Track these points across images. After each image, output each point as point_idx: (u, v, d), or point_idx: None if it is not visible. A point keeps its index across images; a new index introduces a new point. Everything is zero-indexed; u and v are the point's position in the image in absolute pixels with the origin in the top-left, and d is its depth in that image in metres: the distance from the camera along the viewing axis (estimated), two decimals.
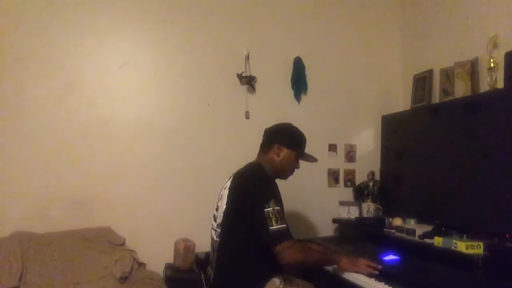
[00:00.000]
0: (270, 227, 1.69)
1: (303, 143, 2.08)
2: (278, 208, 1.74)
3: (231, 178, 1.99)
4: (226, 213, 1.89)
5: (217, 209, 2.02)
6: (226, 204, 1.90)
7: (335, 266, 1.94)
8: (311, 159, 2.11)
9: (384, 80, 3.22)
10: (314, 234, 2.90)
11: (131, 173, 2.57)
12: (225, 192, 1.96)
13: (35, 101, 2.42)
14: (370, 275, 1.84)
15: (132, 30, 2.63)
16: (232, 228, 1.85)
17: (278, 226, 1.70)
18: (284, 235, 1.72)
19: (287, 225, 1.76)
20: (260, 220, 1.71)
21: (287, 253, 1.70)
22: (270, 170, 1.96)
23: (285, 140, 2.00)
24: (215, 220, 2.02)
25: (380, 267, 1.86)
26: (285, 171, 2.05)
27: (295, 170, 2.09)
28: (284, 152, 1.99)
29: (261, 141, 2.07)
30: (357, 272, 1.87)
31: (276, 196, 1.78)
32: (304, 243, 2.15)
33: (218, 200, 2.04)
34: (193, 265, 2.41)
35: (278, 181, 2.03)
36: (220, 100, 2.78)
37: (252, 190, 1.82)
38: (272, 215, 1.71)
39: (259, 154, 2.05)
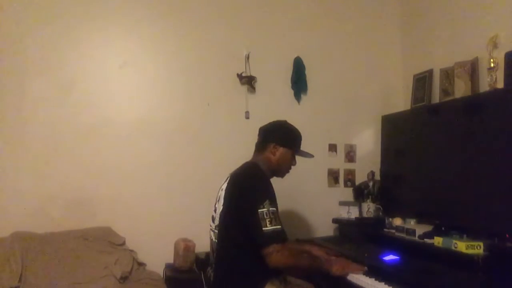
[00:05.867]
0: (263, 228, 1.68)
1: (299, 140, 2.07)
2: (273, 209, 1.73)
3: (228, 179, 1.99)
4: (223, 214, 1.88)
5: (215, 210, 2.02)
6: (223, 205, 1.90)
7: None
8: (307, 155, 2.09)
9: (384, 80, 3.22)
10: (314, 234, 2.90)
11: (131, 173, 2.57)
12: (222, 193, 1.95)
13: (35, 101, 2.42)
14: (369, 275, 1.84)
15: (132, 30, 2.63)
16: (229, 229, 1.84)
17: (273, 227, 1.68)
18: (277, 236, 1.70)
19: (282, 226, 1.73)
20: (254, 221, 1.69)
21: (274, 256, 1.67)
22: (267, 169, 1.95)
23: (280, 139, 1.99)
24: (213, 221, 2.02)
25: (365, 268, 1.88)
26: (282, 170, 2.04)
27: (293, 167, 2.08)
28: (280, 150, 1.98)
29: (256, 140, 2.07)
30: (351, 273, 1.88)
31: (271, 197, 1.77)
32: (296, 247, 2.14)
33: (216, 202, 2.04)
34: (193, 265, 2.41)
35: (278, 180, 2.03)
36: (220, 100, 2.78)
37: (247, 191, 1.81)
38: (267, 215, 1.69)
39: (255, 153, 2.04)
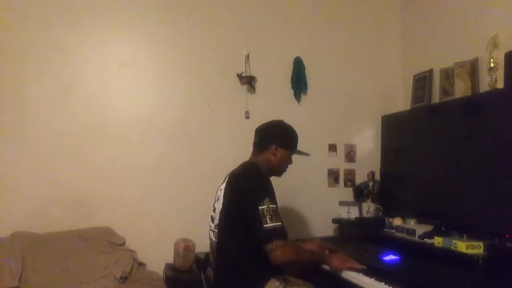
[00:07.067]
0: (264, 225, 1.68)
1: (297, 140, 2.09)
2: (273, 206, 1.73)
3: (226, 179, 1.99)
4: (223, 213, 1.89)
5: (214, 210, 2.03)
6: (222, 204, 1.91)
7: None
8: (304, 154, 2.12)
9: (384, 80, 3.22)
10: (314, 234, 2.90)
11: (131, 173, 2.57)
12: (221, 193, 1.96)
13: (35, 101, 2.42)
14: (369, 275, 1.84)
15: (132, 30, 2.63)
16: (229, 228, 1.85)
17: (273, 224, 1.69)
18: (278, 233, 1.70)
19: (282, 223, 1.74)
20: (255, 218, 1.70)
21: (278, 252, 1.68)
22: (266, 169, 1.95)
23: (281, 141, 2.00)
24: (212, 221, 2.02)
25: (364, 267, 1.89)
26: (281, 169, 2.07)
27: (289, 165, 2.10)
28: (281, 152, 2.00)
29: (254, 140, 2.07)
30: (349, 268, 1.90)
31: (271, 194, 1.77)
32: (296, 242, 2.16)
33: (215, 201, 2.04)
34: (193, 265, 2.41)
35: (278, 180, 2.03)
36: (220, 100, 2.78)
37: (247, 189, 1.81)
38: (267, 213, 1.69)
39: (253, 153, 2.04)
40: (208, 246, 2.13)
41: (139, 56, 2.63)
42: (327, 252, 2.06)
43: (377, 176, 2.95)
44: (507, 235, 1.85)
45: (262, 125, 2.08)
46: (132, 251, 2.40)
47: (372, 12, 3.23)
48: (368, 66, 3.18)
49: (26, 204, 2.35)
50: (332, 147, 3.07)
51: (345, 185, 3.09)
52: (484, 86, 2.39)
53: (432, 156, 2.46)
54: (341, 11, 3.15)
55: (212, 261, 2.00)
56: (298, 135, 2.09)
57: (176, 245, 2.43)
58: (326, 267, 1.99)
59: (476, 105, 2.22)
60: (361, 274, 1.86)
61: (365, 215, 2.81)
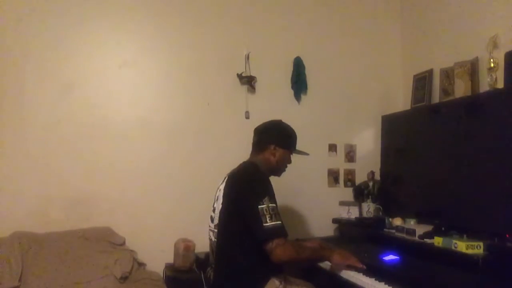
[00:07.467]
0: (264, 224, 1.68)
1: (296, 139, 2.10)
2: (273, 205, 1.73)
3: (226, 179, 1.99)
4: (222, 213, 1.89)
5: (213, 210, 2.03)
6: (222, 204, 1.91)
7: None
8: (303, 153, 2.13)
9: (384, 80, 3.22)
10: (314, 234, 2.90)
11: (131, 173, 2.57)
12: (221, 193, 1.96)
13: (35, 101, 2.42)
14: (369, 275, 1.84)
15: (132, 30, 2.63)
16: (229, 228, 1.85)
17: (273, 223, 1.69)
18: (278, 232, 1.70)
19: (282, 221, 1.74)
20: (254, 217, 1.70)
21: (278, 250, 1.68)
22: (266, 169, 1.96)
23: (280, 141, 2.01)
24: (212, 221, 2.02)
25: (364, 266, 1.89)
26: (281, 169, 2.07)
27: (288, 165, 2.10)
28: (280, 152, 2.00)
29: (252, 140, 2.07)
30: (349, 266, 1.89)
31: (270, 193, 1.77)
32: (296, 241, 2.16)
33: (214, 201, 2.04)
34: (193, 265, 2.41)
35: (278, 180, 2.03)
36: (220, 100, 2.78)
37: (247, 188, 1.81)
38: (267, 212, 1.70)
39: (252, 153, 2.05)
40: (208, 246, 2.13)
41: (139, 56, 2.63)
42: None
43: (377, 176, 2.95)
44: (507, 235, 1.85)
45: (261, 125, 2.08)
46: (132, 251, 2.40)
47: (372, 12, 3.23)
48: (368, 66, 3.18)
49: (26, 204, 2.35)
50: (332, 147, 3.07)
51: (345, 185, 3.09)
52: (484, 86, 2.39)
53: (432, 156, 2.46)
54: (341, 11, 3.15)
55: (212, 261, 2.00)
56: (297, 135, 2.09)
57: (176, 245, 2.43)
58: (326, 266, 1.99)
59: (476, 105, 2.22)
60: (361, 274, 1.86)
61: (365, 215, 2.82)
